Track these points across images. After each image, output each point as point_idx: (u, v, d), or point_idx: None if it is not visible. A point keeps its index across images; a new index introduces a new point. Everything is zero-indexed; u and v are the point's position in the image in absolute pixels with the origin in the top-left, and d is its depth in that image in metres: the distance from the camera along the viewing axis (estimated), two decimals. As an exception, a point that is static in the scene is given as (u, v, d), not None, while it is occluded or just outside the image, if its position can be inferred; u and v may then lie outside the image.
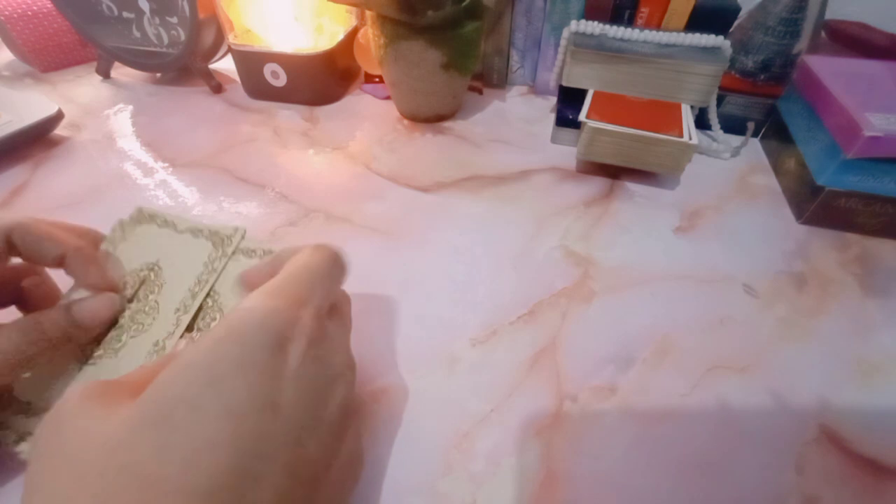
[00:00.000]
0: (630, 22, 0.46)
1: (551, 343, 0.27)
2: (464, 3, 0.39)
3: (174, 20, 0.47)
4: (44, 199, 0.37)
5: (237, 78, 0.50)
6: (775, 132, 0.43)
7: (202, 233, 0.23)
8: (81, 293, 0.21)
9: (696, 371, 0.26)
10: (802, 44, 0.42)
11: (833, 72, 0.38)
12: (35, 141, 0.42)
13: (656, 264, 0.33)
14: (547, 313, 0.29)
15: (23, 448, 0.19)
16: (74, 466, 0.12)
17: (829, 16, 0.49)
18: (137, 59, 0.50)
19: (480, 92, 0.52)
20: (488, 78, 0.53)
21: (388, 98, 0.49)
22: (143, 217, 0.24)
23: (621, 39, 0.41)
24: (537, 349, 0.27)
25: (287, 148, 0.43)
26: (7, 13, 0.49)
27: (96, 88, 0.52)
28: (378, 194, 0.38)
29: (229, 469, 0.12)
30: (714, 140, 0.44)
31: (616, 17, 0.46)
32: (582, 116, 0.38)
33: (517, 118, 0.48)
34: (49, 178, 0.39)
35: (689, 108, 0.40)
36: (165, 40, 0.49)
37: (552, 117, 0.48)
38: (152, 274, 0.22)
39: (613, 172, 0.40)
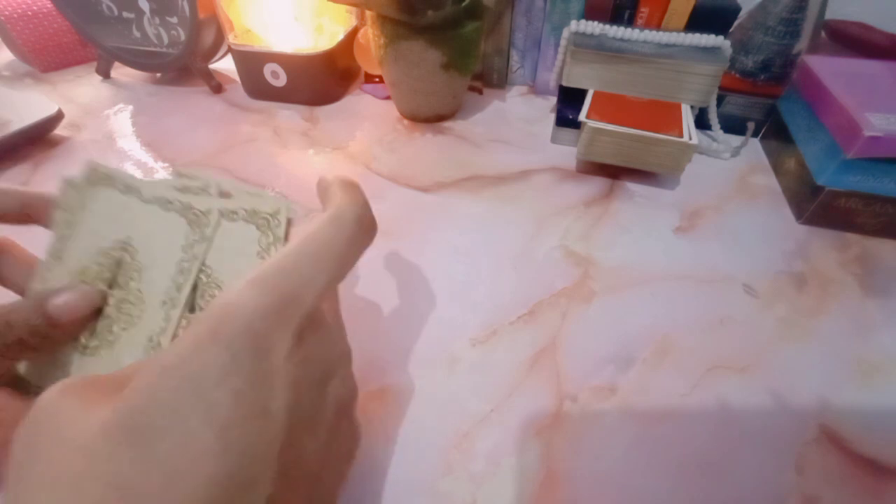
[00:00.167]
0: (630, 22, 0.46)
1: (551, 343, 0.27)
2: (464, 3, 0.39)
3: (174, 20, 0.47)
4: (44, 199, 0.37)
5: (237, 78, 0.50)
6: (775, 132, 0.43)
7: (173, 205, 0.19)
8: (51, 271, 0.18)
9: (696, 371, 0.26)
10: (802, 44, 0.42)
11: (833, 72, 0.38)
12: (35, 141, 0.42)
13: (656, 264, 0.33)
14: (547, 313, 0.29)
15: None
16: (51, 469, 0.12)
17: (829, 16, 0.49)
18: (137, 59, 0.50)
19: (480, 92, 0.52)
20: (488, 78, 0.53)
21: (388, 98, 0.49)
22: (99, 177, 0.19)
23: (621, 39, 0.41)
24: (537, 349, 0.27)
25: (287, 148, 0.43)
26: (7, 13, 0.49)
27: (96, 88, 0.52)
28: (378, 194, 0.38)
29: (216, 481, 0.12)
30: (714, 140, 0.44)
31: (616, 17, 0.46)
32: (582, 116, 0.38)
33: (517, 118, 0.48)
34: (49, 178, 0.39)
35: (689, 108, 0.40)
36: (165, 40, 0.49)
37: (552, 117, 0.48)
38: (127, 255, 0.19)
39: (613, 172, 0.40)
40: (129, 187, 0.20)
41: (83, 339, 0.19)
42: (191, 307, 0.19)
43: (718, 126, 0.43)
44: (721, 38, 0.40)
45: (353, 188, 0.18)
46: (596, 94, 0.41)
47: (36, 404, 0.13)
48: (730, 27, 0.45)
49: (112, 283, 0.19)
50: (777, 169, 0.41)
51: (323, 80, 0.49)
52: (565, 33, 0.42)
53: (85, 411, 0.12)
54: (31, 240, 0.20)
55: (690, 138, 0.36)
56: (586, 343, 0.28)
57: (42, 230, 0.20)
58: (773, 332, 0.29)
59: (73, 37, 0.53)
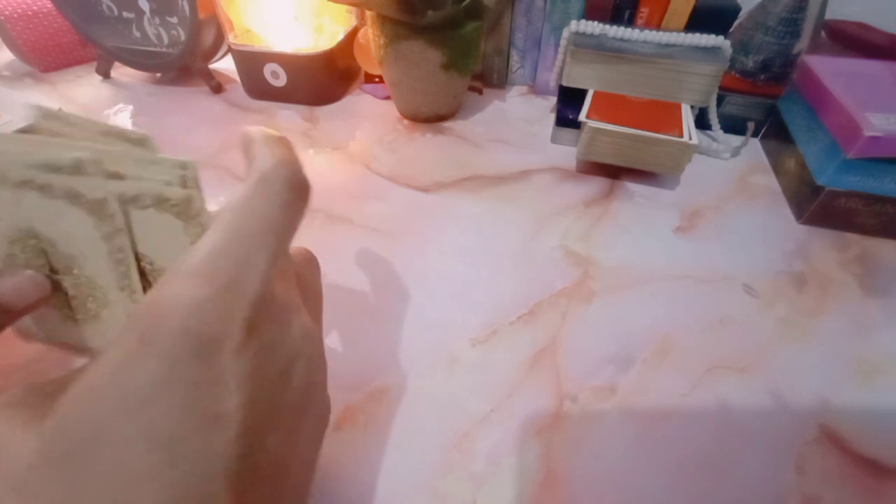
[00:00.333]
0: (630, 22, 0.46)
1: (551, 343, 0.27)
2: (464, 3, 0.39)
3: (174, 20, 0.47)
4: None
5: (237, 78, 0.50)
6: (775, 132, 0.43)
7: (54, 191, 0.16)
8: None
9: (696, 371, 0.26)
10: (802, 44, 0.42)
11: (833, 72, 0.38)
12: (35, 141, 0.41)
13: (656, 264, 0.33)
14: (547, 313, 0.29)
15: None
16: None
17: (829, 16, 0.49)
18: (137, 59, 0.50)
19: (480, 92, 0.52)
20: (488, 78, 0.53)
21: (388, 98, 0.49)
22: None
23: (621, 39, 0.41)
24: (537, 349, 0.27)
25: (287, 148, 0.43)
26: (7, 13, 0.49)
27: (96, 88, 0.52)
28: (378, 194, 0.38)
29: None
30: (714, 140, 0.44)
31: (616, 17, 0.46)
32: (582, 116, 0.38)
33: (517, 118, 0.48)
34: (49, 178, 0.39)
35: (689, 108, 0.40)
36: (165, 40, 0.49)
37: (552, 117, 0.48)
38: (49, 246, 0.17)
39: (613, 172, 0.40)
40: None
41: (67, 311, 0.18)
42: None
43: (718, 126, 0.43)
44: (721, 38, 0.40)
45: (278, 144, 0.16)
46: (596, 94, 0.41)
47: None
48: (730, 27, 0.45)
49: (52, 271, 0.17)
50: (777, 169, 0.41)
51: (323, 80, 0.49)
52: (565, 33, 0.42)
53: (16, 436, 0.11)
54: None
55: (690, 138, 0.36)
56: (586, 343, 0.28)
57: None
58: (773, 332, 0.29)
59: (73, 37, 0.53)
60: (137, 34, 0.49)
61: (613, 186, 0.40)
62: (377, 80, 0.51)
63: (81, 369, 0.13)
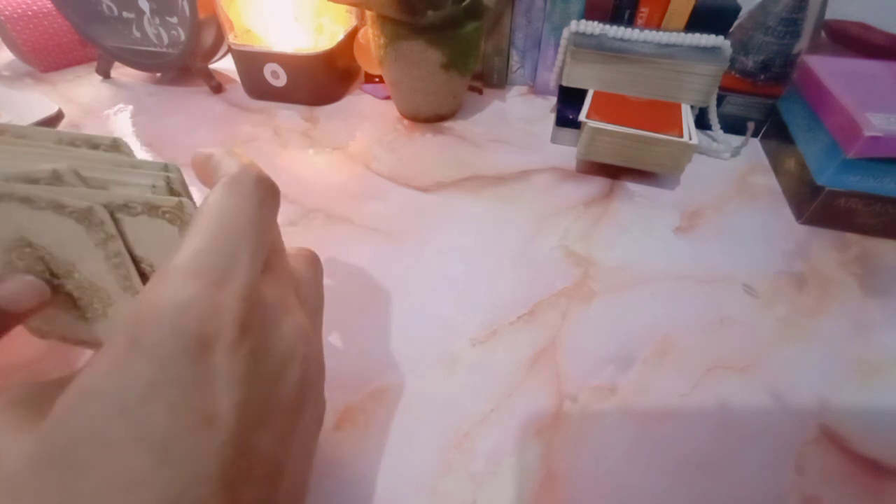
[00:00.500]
0: (630, 22, 0.46)
1: (551, 343, 0.27)
2: (464, 3, 0.39)
3: (174, 20, 0.47)
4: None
5: (237, 78, 0.50)
6: (775, 132, 0.43)
7: (37, 203, 0.16)
8: None
9: (696, 371, 0.26)
10: (802, 44, 0.42)
11: (833, 72, 0.38)
12: (35, 141, 0.41)
13: (656, 264, 0.33)
14: (547, 313, 0.29)
15: None
16: None
17: (829, 16, 0.49)
18: (137, 59, 0.50)
19: (480, 92, 0.52)
20: (488, 78, 0.53)
21: (388, 98, 0.49)
22: None
23: (621, 39, 0.41)
24: (537, 349, 0.27)
25: (287, 148, 0.43)
26: (7, 13, 0.49)
27: (96, 88, 0.52)
28: (378, 194, 0.38)
29: None
30: (714, 140, 0.44)
31: (616, 17, 0.46)
32: (582, 116, 0.38)
33: (517, 118, 0.48)
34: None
35: (689, 108, 0.40)
36: (165, 40, 0.49)
37: (552, 117, 0.48)
38: (45, 253, 0.17)
39: (613, 172, 0.40)
40: None
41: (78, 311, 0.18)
42: None
43: (718, 126, 0.43)
44: (721, 38, 0.40)
45: (238, 154, 0.16)
46: (596, 94, 0.41)
47: None
48: (730, 27, 0.45)
49: (53, 276, 0.18)
50: (777, 169, 0.41)
51: (323, 80, 0.49)
52: (565, 33, 0.42)
53: (13, 438, 0.11)
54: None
55: (690, 138, 0.36)
56: (586, 343, 0.28)
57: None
58: (773, 332, 0.29)
59: (73, 37, 0.53)
60: (137, 34, 0.49)
61: (613, 186, 0.40)
62: (377, 80, 0.51)
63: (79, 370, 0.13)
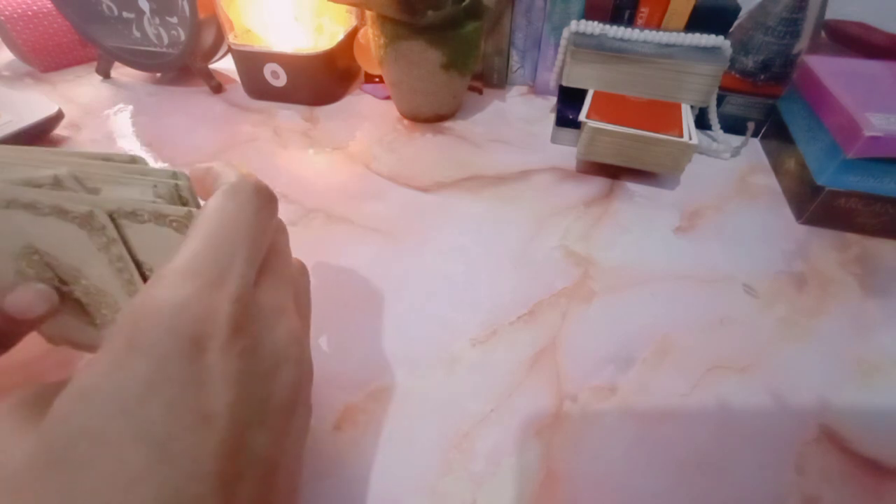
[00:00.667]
0: (630, 22, 0.46)
1: (551, 343, 0.27)
2: (464, 3, 0.39)
3: (174, 20, 0.47)
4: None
5: (237, 78, 0.50)
6: (775, 132, 0.43)
7: (39, 209, 0.16)
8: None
9: (696, 371, 0.26)
10: (802, 44, 0.42)
11: (833, 72, 0.38)
12: (35, 141, 0.41)
13: (656, 264, 0.33)
14: (547, 313, 0.29)
15: None
16: None
17: (829, 16, 0.49)
18: (137, 59, 0.50)
19: (480, 92, 0.52)
20: (488, 78, 0.53)
21: (388, 98, 0.49)
22: None
23: (621, 39, 0.41)
24: (537, 349, 0.27)
25: (287, 148, 0.43)
26: (7, 13, 0.49)
27: (96, 88, 0.52)
28: (378, 194, 0.38)
29: (158, 503, 0.11)
30: (714, 140, 0.44)
31: (616, 17, 0.46)
32: (582, 116, 0.38)
33: (517, 118, 0.48)
34: (49, 178, 0.39)
35: (689, 108, 0.40)
36: (165, 40, 0.49)
37: (552, 117, 0.48)
38: (52, 259, 0.17)
39: (613, 172, 0.40)
40: None
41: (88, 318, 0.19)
42: None
43: (718, 126, 0.43)
44: (721, 38, 0.40)
45: (236, 165, 0.17)
46: (596, 94, 0.41)
47: None
48: (730, 27, 0.45)
49: (62, 282, 0.18)
50: (777, 169, 0.41)
51: (323, 80, 0.49)
52: (565, 33, 0.42)
53: (15, 438, 0.11)
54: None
55: (690, 138, 0.36)
56: (586, 343, 0.28)
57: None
58: (773, 332, 0.29)
59: (73, 37, 0.53)
60: (137, 34, 0.49)
61: (613, 186, 0.40)
62: (377, 80, 0.51)
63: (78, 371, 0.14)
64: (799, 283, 0.32)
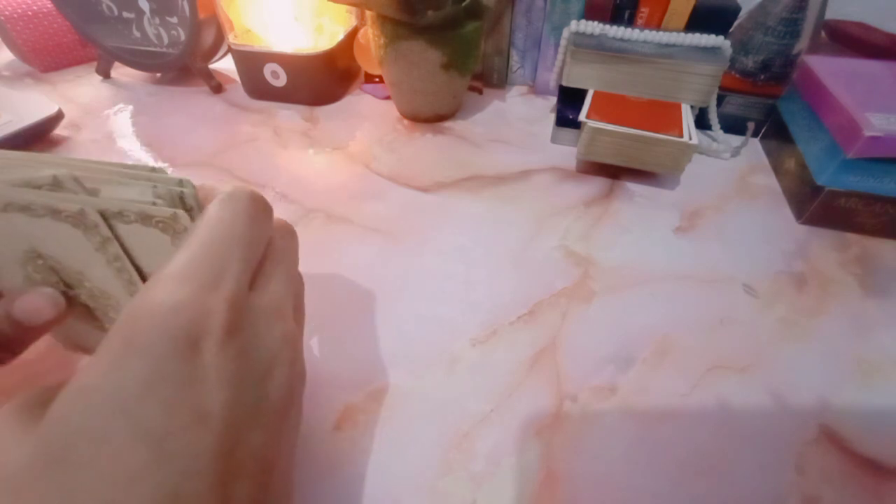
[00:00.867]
0: (630, 22, 0.46)
1: (551, 343, 0.27)
2: (464, 3, 0.39)
3: (174, 20, 0.47)
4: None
5: (237, 78, 0.50)
6: (775, 132, 0.43)
7: (35, 210, 0.16)
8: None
9: (696, 371, 0.26)
10: (802, 44, 0.42)
11: (833, 72, 0.38)
12: (35, 141, 0.42)
13: (656, 264, 0.33)
14: (547, 313, 0.29)
15: None
16: None
17: (829, 16, 0.49)
18: (137, 59, 0.50)
19: (480, 92, 0.52)
20: (488, 78, 0.53)
21: (388, 98, 0.49)
22: None
23: (621, 39, 0.41)
24: (537, 349, 0.27)
25: (287, 148, 0.43)
26: (7, 13, 0.49)
27: (96, 88, 0.52)
28: (378, 194, 0.38)
29: (158, 502, 0.11)
30: (714, 140, 0.44)
31: (616, 17, 0.46)
32: (582, 116, 0.38)
33: (517, 118, 0.48)
34: (49, 178, 0.39)
35: (689, 108, 0.40)
36: (165, 40, 0.49)
37: (552, 117, 0.48)
38: (55, 263, 0.18)
39: (613, 172, 0.40)
40: None
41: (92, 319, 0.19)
42: None
43: (718, 126, 0.43)
44: (721, 38, 0.40)
45: (232, 182, 0.17)
46: (596, 94, 0.41)
47: None
48: (730, 27, 0.45)
49: (67, 286, 0.18)
50: (777, 169, 0.41)
51: (323, 80, 0.49)
52: (565, 33, 0.42)
53: (15, 438, 0.12)
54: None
55: (690, 138, 0.36)
56: (586, 343, 0.28)
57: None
58: (773, 332, 0.29)
59: (73, 37, 0.53)
60: (137, 34, 0.49)
61: (613, 186, 0.40)
62: (377, 80, 0.51)
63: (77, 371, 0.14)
64: (799, 283, 0.32)
